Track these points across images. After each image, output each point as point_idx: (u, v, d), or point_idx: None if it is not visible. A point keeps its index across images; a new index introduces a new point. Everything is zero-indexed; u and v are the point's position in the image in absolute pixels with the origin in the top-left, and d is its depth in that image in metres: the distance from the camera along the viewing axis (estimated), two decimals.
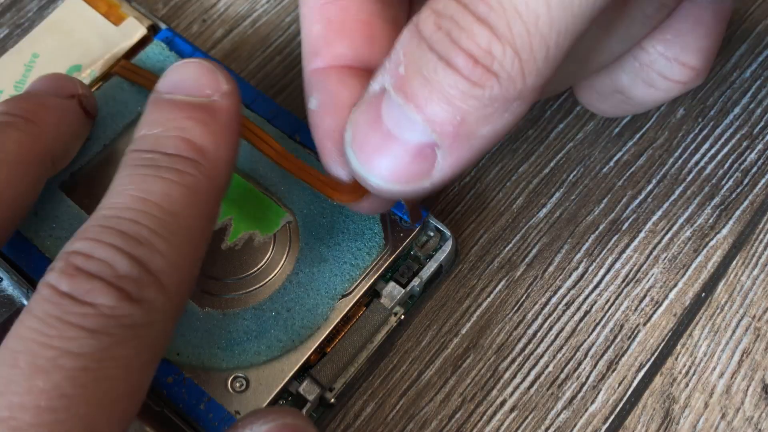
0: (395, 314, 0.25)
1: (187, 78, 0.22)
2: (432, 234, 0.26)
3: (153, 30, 0.29)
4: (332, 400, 0.24)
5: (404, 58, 0.19)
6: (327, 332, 0.24)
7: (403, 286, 0.25)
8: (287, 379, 0.23)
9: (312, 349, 0.24)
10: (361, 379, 0.26)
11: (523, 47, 0.18)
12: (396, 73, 0.19)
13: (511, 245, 0.28)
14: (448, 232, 0.26)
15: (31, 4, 0.32)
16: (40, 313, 0.18)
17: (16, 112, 0.23)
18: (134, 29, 0.28)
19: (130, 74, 0.27)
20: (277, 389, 0.23)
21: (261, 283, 0.25)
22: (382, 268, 0.25)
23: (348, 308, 0.24)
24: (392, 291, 0.25)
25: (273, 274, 0.25)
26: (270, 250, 0.25)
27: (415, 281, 0.25)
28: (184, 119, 0.21)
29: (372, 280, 0.25)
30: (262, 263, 0.25)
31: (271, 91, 0.30)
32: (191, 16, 0.32)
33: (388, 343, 0.26)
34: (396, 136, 0.19)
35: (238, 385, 0.23)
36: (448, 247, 0.26)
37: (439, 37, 0.18)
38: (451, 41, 0.18)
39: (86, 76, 0.27)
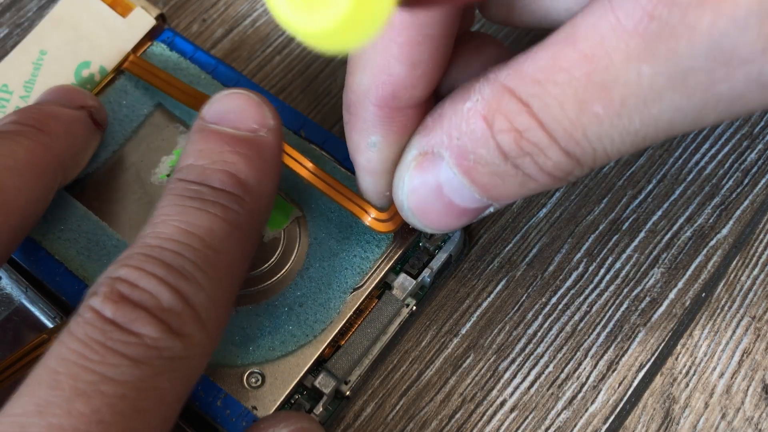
0: (407, 305, 0.26)
1: (234, 110, 0.22)
2: None
3: (163, 19, 0.28)
4: (348, 393, 0.24)
5: (471, 148, 0.20)
6: (340, 326, 0.24)
7: (414, 278, 0.25)
8: (303, 373, 0.24)
9: (326, 343, 0.24)
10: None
11: (598, 165, 0.20)
12: (458, 153, 0.20)
13: (511, 245, 0.28)
14: None
15: (30, 4, 0.32)
16: (82, 336, 0.18)
17: (27, 122, 0.23)
18: (142, 20, 0.27)
19: (140, 71, 0.27)
20: (293, 383, 0.24)
21: (272, 279, 0.25)
22: (393, 261, 0.25)
23: (360, 301, 0.25)
24: (403, 282, 0.25)
25: (284, 270, 0.25)
26: (280, 246, 0.25)
27: (426, 272, 0.26)
28: (231, 153, 0.21)
29: (383, 273, 0.25)
30: (272, 259, 0.25)
31: (270, 91, 0.30)
32: (191, 15, 0.32)
33: (400, 335, 0.26)
34: (457, 205, 0.21)
35: (253, 380, 0.23)
36: (456, 237, 0.26)
37: (521, 155, 0.20)
38: (535, 163, 0.20)
39: (95, 72, 0.27)
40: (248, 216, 0.21)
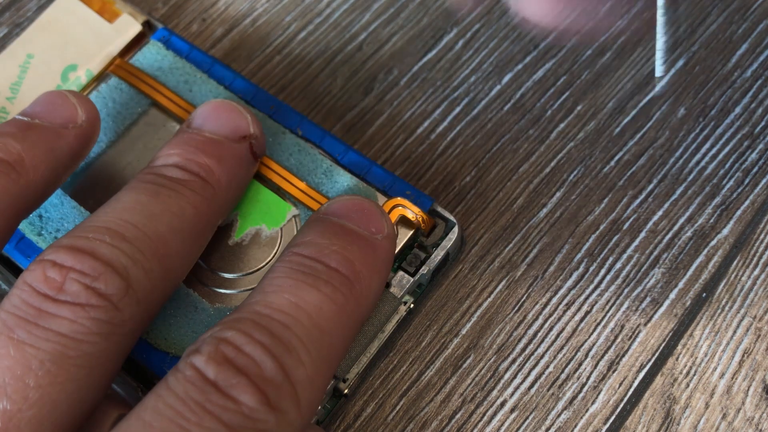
0: (405, 303, 0.25)
1: (357, 212, 0.23)
2: (438, 222, 0.26)
3: (148, 26, 0.28)
4: (346, 391, 0.24)
5: None
6: None
7: (412, 275, 0.25)
8: None
9: None
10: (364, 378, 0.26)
11: None
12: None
13: (511, 245, 0.28)
14: (453, 220, 0.26)
15: (30, 3, 0.32)
16: (182, 394, 0.18)
17: (192, 169, 0.23)
18: (129, 26, 0.28)
19: (126, 75, 0.27)
20: None
21: None
22: None
23: None
24: (401, 280, 0.25)
25: None
26: (277, 245, 0.25)
27: (423, 270, 0.25)
28: (350, 242, 0.22)
29: None
30: (270, 258, 0.25)
31: (270, 90, 0.30)
32: (191, 15, 0.32)
33: (398, 333, 0.26)
34: None
35: None
36: (454, 234, 0.26)
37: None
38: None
39: (82, 75, 0.27)
40: (355, 304, 0.21)
